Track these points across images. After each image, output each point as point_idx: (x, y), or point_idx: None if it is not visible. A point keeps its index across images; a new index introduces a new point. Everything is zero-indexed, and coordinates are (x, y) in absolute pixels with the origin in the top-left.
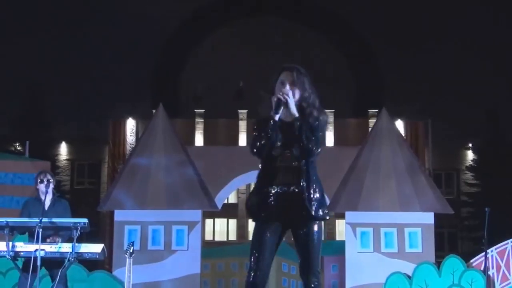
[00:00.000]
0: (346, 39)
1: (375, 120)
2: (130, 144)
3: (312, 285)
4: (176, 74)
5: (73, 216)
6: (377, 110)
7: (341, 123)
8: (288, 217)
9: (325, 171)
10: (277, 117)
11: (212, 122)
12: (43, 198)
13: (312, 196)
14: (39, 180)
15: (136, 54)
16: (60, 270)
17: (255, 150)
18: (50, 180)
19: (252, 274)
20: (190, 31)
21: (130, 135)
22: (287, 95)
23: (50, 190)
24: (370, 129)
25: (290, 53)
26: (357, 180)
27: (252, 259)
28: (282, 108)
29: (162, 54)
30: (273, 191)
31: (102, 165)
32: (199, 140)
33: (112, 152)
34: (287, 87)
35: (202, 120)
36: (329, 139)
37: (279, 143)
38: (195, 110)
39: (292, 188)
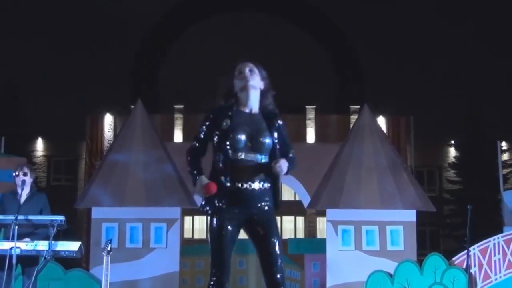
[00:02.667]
0: (328, 34)
1: (356, 116)
2: (108, 140)
3: (278, 280)
4: (155, 69)
5: (50, 213)
6: (358, 106)
7: (323, 119)
8: (249, 212)
9: (306, 167)
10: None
11: (192, 117)
12: (19, 192)
13: (276, 190)
14: (15, 174)
15: (114, 48)
16: (36, 268)
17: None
18: (26, 173)
19: (218, 274)
20: (169, 24)
21: (108, 131)
22: (248, 81)
23: (27, 183)
24: (351, 125)
25: (271, 47)
26: (338, 177)
27: (216, 260)
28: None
29: (141, 48)
30: (236, 187)
31: (80, 162)
32: (178, 136)
33: (89, 148)
34: (247, 72)
35: (182, 115)
36: (310, 136)
37: (239, 136)
38: (174, 106)
39: (255, 183)
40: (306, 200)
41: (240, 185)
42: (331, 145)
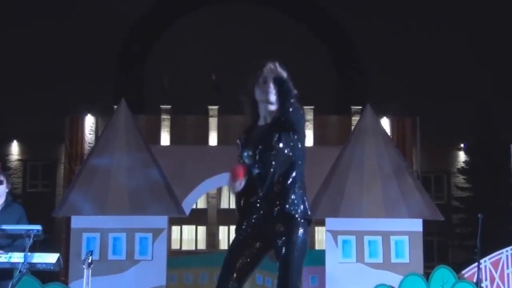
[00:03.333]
0: (327, 27)
1: (358, 118)
2: (89, 142)
3: None
4: (140, 66)
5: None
6: (360, 107)
7: (322, 120)
8: (266, 232)
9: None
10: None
11: (180, 119)
12: None
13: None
14: None
15: (96, 44)
16: (11, 283)
17: None
18: (2, 181)
19: (220, 274)
20: (155, 18)
21: (89, 133)
22: (270, 91)
23: (2, 193)
24: (353, 127)
25: (264, 41)
26: (338, 183)
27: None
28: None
29: (124, 44)
30: (250, 207)
31: (58, 166)
32: (165, 139)
33: (69, 151)
34: (271, 83)
35: (169, 116)
36: (309, 138)
37: (246, 153)
38: (161, 106)
39: (276, 208)
40: None
41: (257, 205)
42: (331, 148)
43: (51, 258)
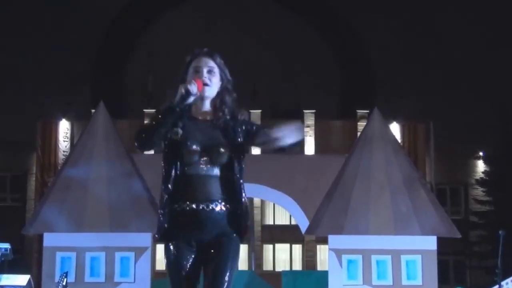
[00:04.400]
0: (330, 22)
1: (365, 123)
2: (64, 151)
3: None
4: (120, 65)
5: None
6: (367, 111)
7: (324, 126)
8: (205, 238)
9: (304, 184)
10: (178, 108)
11: None
12: None
13: (241, 212)
14: None
15: (71, 41)
16: None
17: (136, 142)
18: None
19: None
20: (136, 10)
21: (64, 140)
22: (207, 84)
23: None
24: (359, 133)
25: (259, 37)
26: (342, 196)
27: None
28: (190, 100)
29: (102, 40)
30: (189, 208)
31: (29, 177)
32: None
33: (41, 161)
34: (205, 73)
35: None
36: (309, 146)
37: (194, 147)
38: (144, 110)
39: (212, 206)
40: (303, 224)
41: (194, 206)
42: (334, 157)
43: (21, 280)
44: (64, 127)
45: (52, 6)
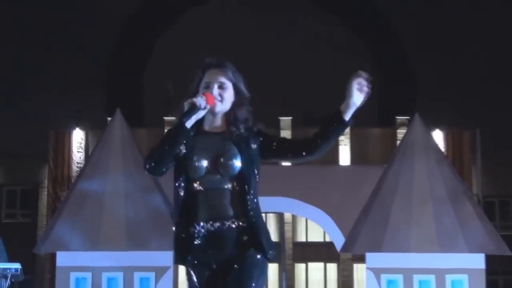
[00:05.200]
0: (367, 22)
1: (405, 130)
2: (78, 162)
3: None
4: (138, 70)
5: (7, 260)
6: (408, 117)
7: (361, 134)
8: (223, 257)
9: (339, 198)
10: (188, 124)
11: None
12: None
13: (264, 234)
14: None
15: (84, 42)
16: None
17: (147, 165)
18: None
19: None
20: (155, 11)
21: (77, 151)
22: (218, 100)
23: None
24: (398, 141)
25: (288, 37)
26: (381, 210)
27: None
28: (199, 115)
29: (119, 44)
30: (202, 230)
31: (40, 191)
32: None
33: (53, 173)
34: (215, 90)
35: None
36: (345, 156)
37: (200, 161)
38: (165, 118)
39: (228, 223)
40: (339, 241)
41: (209, 225)
42: (372, 168)
43: None
44: (77, 136)
45: (63, 7)
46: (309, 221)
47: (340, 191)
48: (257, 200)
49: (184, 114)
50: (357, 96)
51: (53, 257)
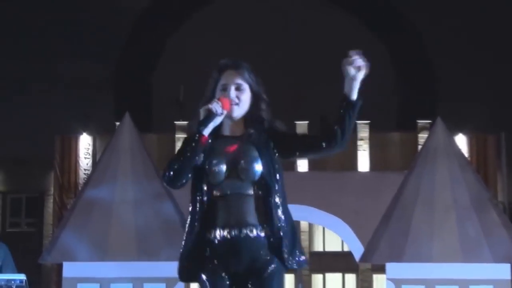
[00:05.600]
0: (386, 20)
1: (426, 135)
2: (85, 169)
3: None
4: (147, 71)
5: (15, 269)
6: (429, 121)
7: (380, 138)
8: (240, 268)
9: (358, 205)
10: (206, 132)
11: None
12: None
13: (285, 241)
14: None
15: (91, 43)
16: None
17: (166, 178)
18: None
19: None
20: (165, 10)
21: (85, 157)
22: (235, 103)
23: None
24: (420, 147)
25: (303, 37)
26: (402, 218)
27: None
28: (216, 122)
29: (128, 44)
30: (218, 237)
31: (46, 199)
32: None
33: (59, 180)
34: (232, 92)
35: (185, 135)
36: (363, 162)
37: (220, 165)
38: (175, 122)
39: (246, 231)
40: (357, 251)
41: (226, 233)
42: (392, 174)
43: None
44: (85, 142)
45: (67, 7)
46: (326, 230)
47: (358, 198)
48: (282, 205)
49: (201, 123)
50: (354, 74)
51: (59, 267)
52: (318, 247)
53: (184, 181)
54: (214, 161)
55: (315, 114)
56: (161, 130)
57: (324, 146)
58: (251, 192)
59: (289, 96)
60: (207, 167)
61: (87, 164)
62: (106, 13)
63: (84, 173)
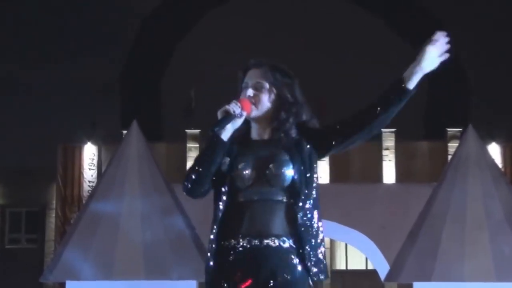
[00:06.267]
0: (414, 23)
1: (456, 144)
2: (89, 181)
3: None
4: (156, 77)
5: None
6: (460, 129)
7: (407, 148)
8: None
9: (383, 220)
10: (224, 135)
11: None
12: None
13: (310, 252)
14: None
15: (96, 47)
16: None
17: (184, 187)
18: None
19: None
20: (175, 11)
21: (89, 168)
22: (252, 102)
23: None
24: (449, 157)
25: (325, 38)
26: (430, 235)
27: None
28: (236, 124)
29: (135, 48)
30: (237, 246)
31: (48, 213)
32: None
33: (62, 193)
34: (249, 91)
35: (197, 145)
36: (389, 173)
37: (246, 169)
38: (186, 131)
39: (267, 241)
40: (382, 269)
41: (246, 242)
42: (419, 186)
43: None
44: (89, 152)
45: (70, 8)
46: (349, 247)
47: (384, 212)
48: (312, 214)
49: (216, 124)
50: (430, 62)
51: (62, 287)
52: (340, 265)
53: (204, 189)
54: (241, 165)
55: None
56: (171, 139)
57: (365, 131)
58: (280, 198)
59: (310, 100)
60: (233, 171)
61: (91, 175)
62: (113, 15)
63: (89, 185)
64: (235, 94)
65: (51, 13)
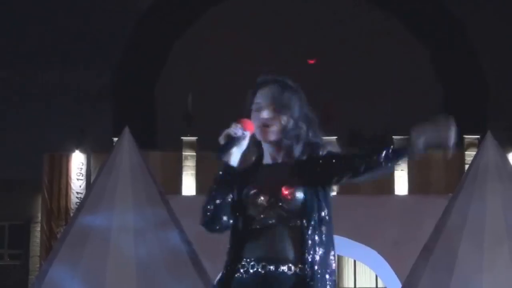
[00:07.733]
0: (431, 23)
1: (474, 152)
2: (78, 192)
3: None
4: (149, 81)
5: None
6: (478, 136)
7: (420, 157)
8: None
9: (395, 234)
10: (233, 160)
11: (209, 156)
12: None
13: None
14: None
15: (86, 49)
16: None
17: (203, 224)
18: None
19: None
20: (170, 10)
21: (77, 178)
22: (265, 125)
23: None
24: (467, 166)
25: (331, 40)
26: (446, 250)
27: None
28: (241, 147)
29: (127, 50)
30: (251, 271)
31: (32, 227)
32: (189, 186)
33: (48, 205)
34: (264, 113)
35: (194, 153)
36: (401, 184)
37: (260, 197)
38: (182, 138)
39: (283, 268)
40: (394, 287)
41: (260, 268)
42: (434, 198)
43: None
44: (77, 161)
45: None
46: (358, 263)
47: (395, 226)
48: (324, 238)
49: (220, 149)
50: (429, 143)
51: None
52: (348, 283)
53: (222, 221)
54: (252, 192)
55: (343, 129)
56: (166, 147)
57: (362, 172)
58: (292, 223)
59: (316, 110)
60: (245, 198)
61: (80, 186)
62: (104, 15)
63: (77, 197)
64: (232, 100)
65: (39, 19)
